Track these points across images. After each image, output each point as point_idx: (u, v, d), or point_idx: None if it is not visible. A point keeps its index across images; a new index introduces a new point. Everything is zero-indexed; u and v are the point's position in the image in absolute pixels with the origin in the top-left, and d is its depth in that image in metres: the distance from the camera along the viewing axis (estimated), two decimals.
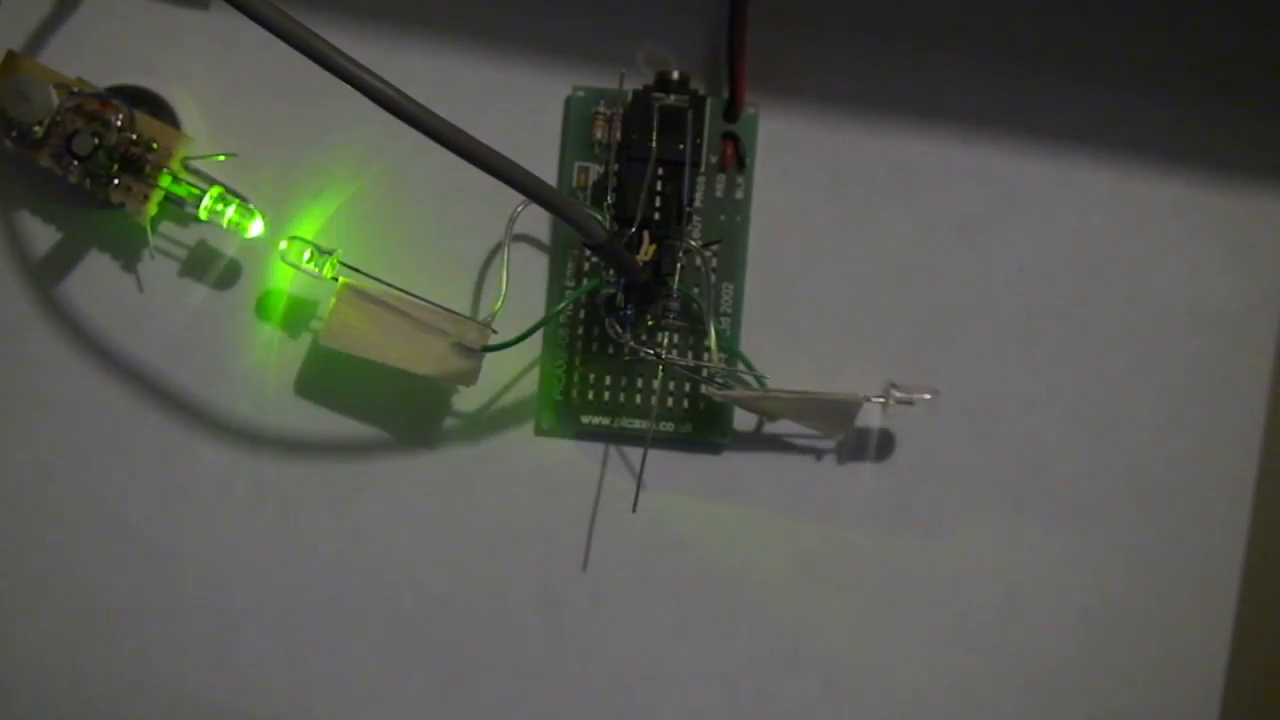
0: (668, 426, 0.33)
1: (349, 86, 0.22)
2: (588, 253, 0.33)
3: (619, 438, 0.33)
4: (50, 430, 0.34)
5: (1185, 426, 0.33)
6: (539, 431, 0.33)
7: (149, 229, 0.32)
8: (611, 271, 0.32)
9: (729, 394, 0.31)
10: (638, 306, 0.32)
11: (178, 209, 0.32)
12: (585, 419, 0.33)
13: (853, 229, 0.33)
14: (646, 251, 0.31)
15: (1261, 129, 0.33)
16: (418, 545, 0.34)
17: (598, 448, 0.34)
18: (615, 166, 0.32)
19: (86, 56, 0.33)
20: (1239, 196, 0.33)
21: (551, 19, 0.33)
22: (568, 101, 0.33)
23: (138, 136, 0.31)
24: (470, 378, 0.31)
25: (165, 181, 0.31)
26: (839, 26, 0.33)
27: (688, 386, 0.33)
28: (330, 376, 0.34)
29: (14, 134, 0.31)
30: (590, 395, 0.33)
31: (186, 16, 0.34)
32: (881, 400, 0.32)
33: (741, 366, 0.32)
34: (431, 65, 0.33)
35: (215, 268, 0.34)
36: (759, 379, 0.32)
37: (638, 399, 0.33)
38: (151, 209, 0.32)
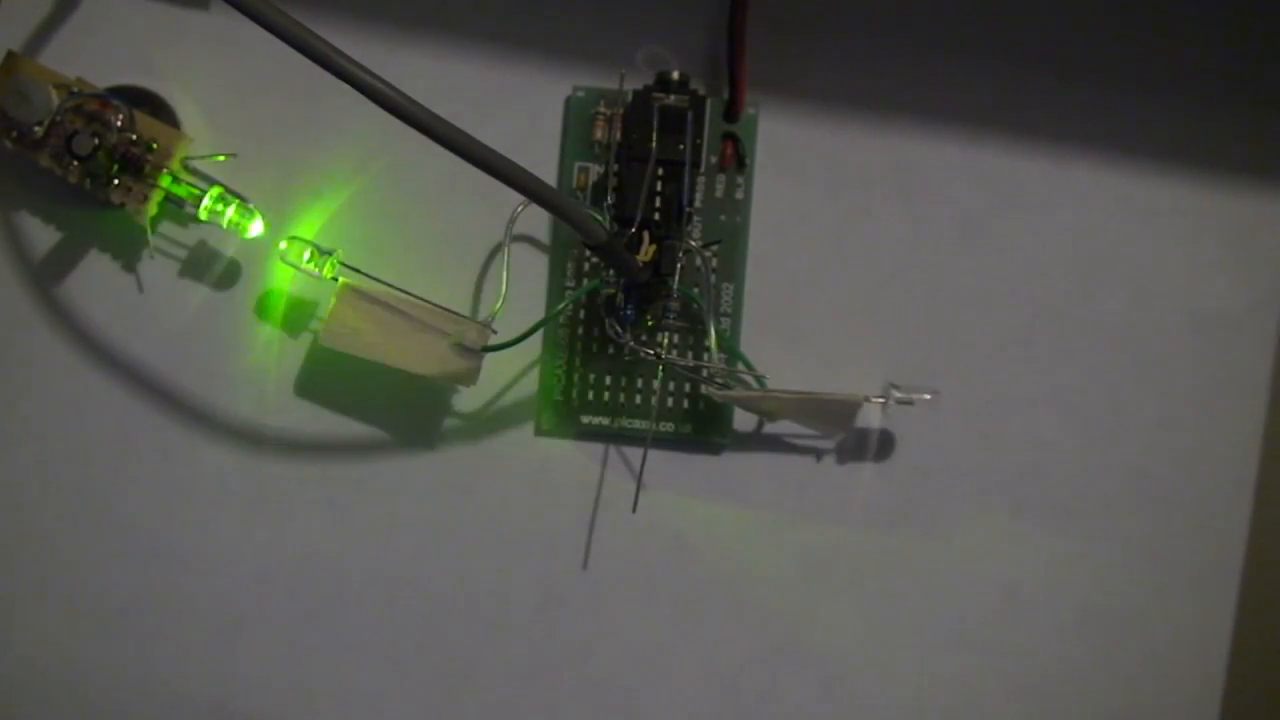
0: (668, 426, 0.33)
1: (349, 86, 0.22)
2: (588, 253, 0.33)
3: (619, 438, 0.33)
4: (50, 430, 0.34)
5: (1185, 426, 0.33)
6: (539, 431, 0.33)
7: (149, 229, 0.32)
8: (611, 271, 0.32)
9: (729, 394, 0.31)
10: (638, 306, 0.32)
11: (178, 209, 0.32)
12: (585, 419, 0.33)
13: (853, 229, 0.33)
14: (646, 251, 0.31)
15: (1262, 130, 0.33)
16: (418, 545, 0.34)
17: (598, 448, 0.34)
18: (615, 166, 0.32)
19: (86, 56, 0.33)
20: (1240, 197, 0.33)
21: (551, 19, 0.33)
22: (568, 101, 0.33)
23: (138, 136, 0.31)
24: (470, 378, 0.31)
25: (165, 181, 0.31)
26: (839, 26, 0.33)
27: (688, 386, 0.33)
28: (330, 376, 0.34)
29: (14, 134, 0.31)
30: (590, 395, 0.33)
31: (186, 16, 0.34)
32: (881, 400, 0.32)
33: (741, 366, 0.32)
34: (431, 65, 0.33)
35: (215, 268, 0.34)
36: (759, 379, 0.32)
37: (638, 399, 0.33)
38: (151, 209, 0.32)
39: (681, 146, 0.31)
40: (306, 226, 0.33)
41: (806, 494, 0.33)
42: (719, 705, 0.33)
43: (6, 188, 0.34)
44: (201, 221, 0.32)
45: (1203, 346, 0.33)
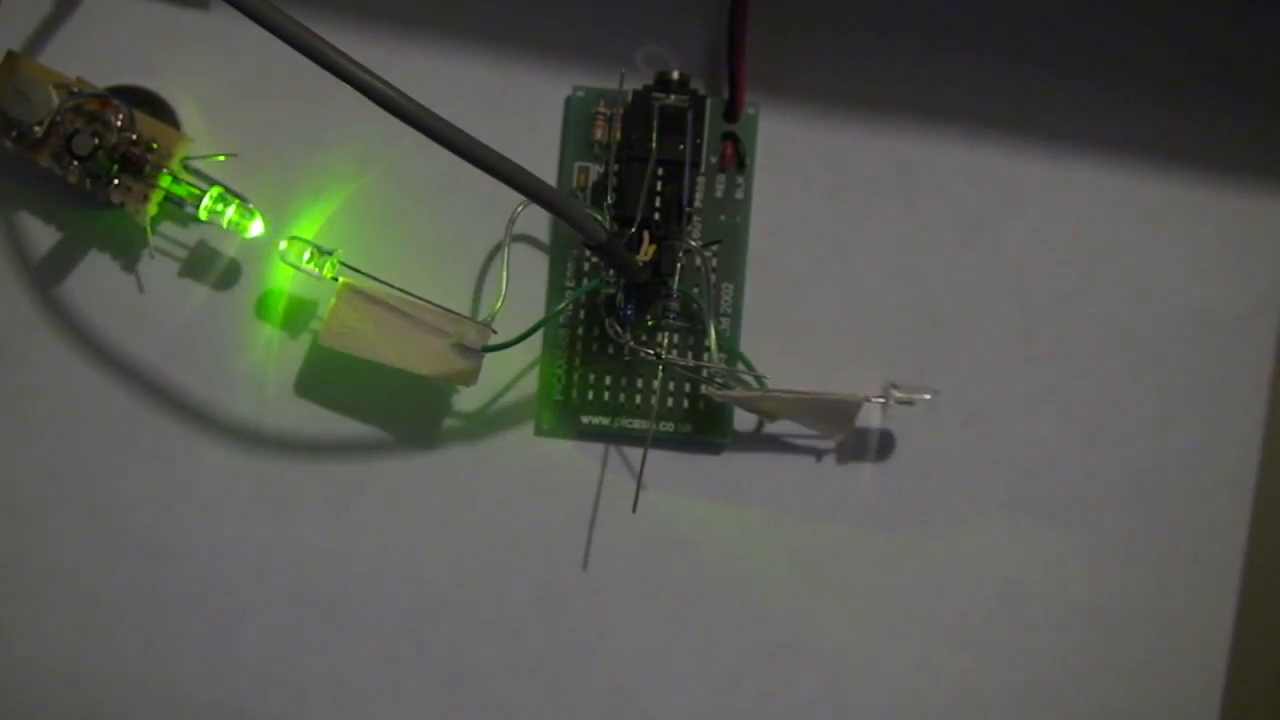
0: (668, 426, 0.33)
1: (349, 86, 0.22)
2: (588, 253, 0.33)
3: (619, 438, 0.33)
4: (50, 430, 0.34)
5: (1185, 426, 0.33)
6: (539, 431, 0.33)
7: (149, 229, 0.32)
8: (611, 271, 0.32)
9: (729, 394, 0.31)
10: (638, 306, 0.32)
11: (178, 209, 0.32)
12: (585, 419, 0.33)
13: (853, 229, 0.33)
14: (646, 251, 0.31)
15: (1261, 129, 0.33)
16: (418, 545, 0.34)
17: (598, 448, 0.34)
18: (615, 166, 0.32)
19: (86, 56, 0.33)
20: (1239, 196, 0.33)
21: (551, 19, 0.33)
22: (568, 101, 0.33)
23: (138, 137, 0.31)
24: (470, 378, 0.31)
25: (165, 181, 0.31)
26: (839, 26, 0.33)
27: (688, 386, 0.33)
28: (330, 376, 0.34)
29: (14, 134, 0.31)
30: (590, 395, 0.33)
31: (186, 16, 0.34)
32: (881, 400, 0.32)
33: (741, 366, 0.32)
34: (431, 65, 0.33)
35: (215, 268, 0.34)
36: (759, 379, 0.32)
37: (638, 399, 0.33)
38: (151, 209, 0.32)
39: (681, 146, 0.31)
40: (306, 226, 0.33)
41: (806, 494, 0.33)
42: (719, 705, 0.33)
43: (6, 188, 0.34)
44: (201, 221, 0.32)
45: (1203, 346, 0.33)
